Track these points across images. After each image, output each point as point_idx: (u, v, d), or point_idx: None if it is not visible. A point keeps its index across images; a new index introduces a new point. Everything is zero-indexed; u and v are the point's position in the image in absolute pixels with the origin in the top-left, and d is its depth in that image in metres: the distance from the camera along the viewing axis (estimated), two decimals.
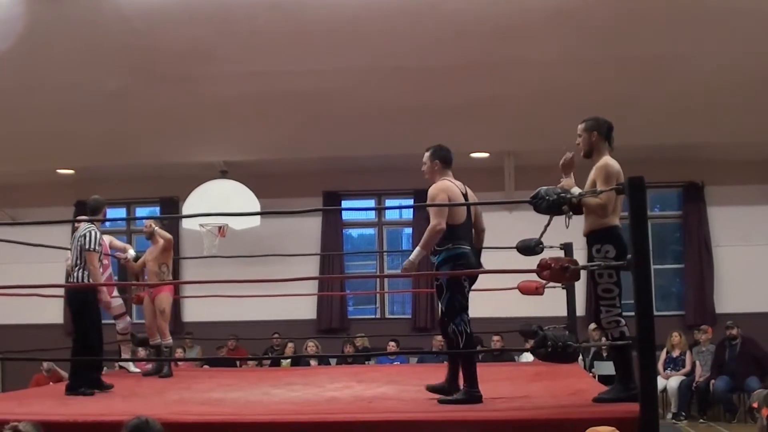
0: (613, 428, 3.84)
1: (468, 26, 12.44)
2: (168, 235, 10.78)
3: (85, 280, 8.67)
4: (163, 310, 10.64)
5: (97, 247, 8.70)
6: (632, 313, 5.76)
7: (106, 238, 11.19)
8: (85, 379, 8.56)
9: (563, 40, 12.63)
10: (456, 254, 7.01)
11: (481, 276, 7.10)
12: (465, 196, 7.20)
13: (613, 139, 6.83)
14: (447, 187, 7.14)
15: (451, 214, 7.02)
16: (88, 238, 8.64)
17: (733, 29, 12.25)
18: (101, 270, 10.70)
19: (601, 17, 12.27)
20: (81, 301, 8.67)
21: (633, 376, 6.45)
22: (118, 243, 11.43)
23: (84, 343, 8.58)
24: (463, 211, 7.10)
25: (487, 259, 11.51)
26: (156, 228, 10.83)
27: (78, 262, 8.68)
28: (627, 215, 5.86)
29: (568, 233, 6.97)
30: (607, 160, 6.67)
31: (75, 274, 8.73)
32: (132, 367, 11.38)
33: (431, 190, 7.24)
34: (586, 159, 6.80)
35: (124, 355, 11.24)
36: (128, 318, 11.17)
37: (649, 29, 12.42)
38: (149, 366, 11.22)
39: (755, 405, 3.82)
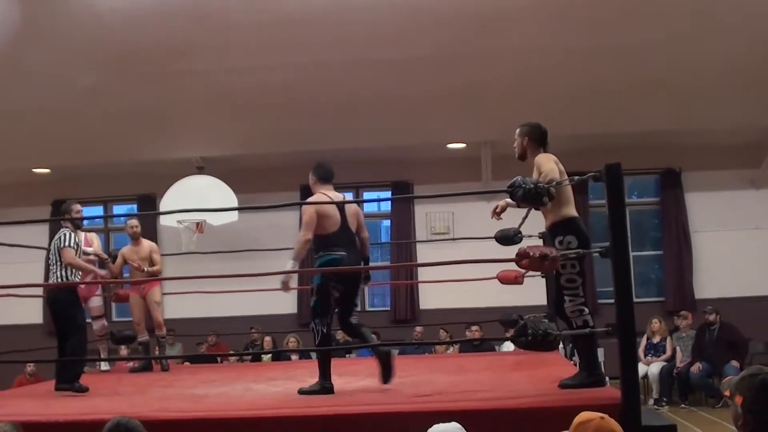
0: (604, 414, 3.83)
1: (444, 17, 12.44)
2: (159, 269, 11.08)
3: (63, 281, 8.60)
4: (159, 302, 10.88)
5: (71, 243, 8.55)
6: (612, 301, 5.77)
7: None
8: (75, 376, 8.46)
9: (539, 28, 12.65)
10: (327, 260, 7.54)
11: (460, 266, 7.09)
12: (341, 207, 7.75)
13: (548, 144, 7.02)
14: (318, 200, 7.69)
15: (322, 224, 7.56)
16: (62, 239, 8.54)
17: (709, 16, 12.30)
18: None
19: (578, 6, 12.30)
20: (63, 301, 8.55)
21: (597, 363, 6.81)
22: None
23: (71, 344, 8.45)
24: (335, 220, 7.62)
25: (466, 249, 11.56)
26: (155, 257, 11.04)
27: (54, 263, 8.56)
28: (605, 203, 5.86)
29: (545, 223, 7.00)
30: (542, 153, 6.93)
31: (52, 276, 8.61)
32: (103, 365, 11.42)
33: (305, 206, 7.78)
34: (521, 161, 7.13)
35: (102, 354, 11.27)
36: (105, 321, 11.16)
37: (625, 17, 12.45)
38: (132, 363, 11.24)
39: (727, 393, 3.81)
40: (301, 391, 7.40)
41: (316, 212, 7.58)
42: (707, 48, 12.77)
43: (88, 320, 10.97)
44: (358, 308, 8.05)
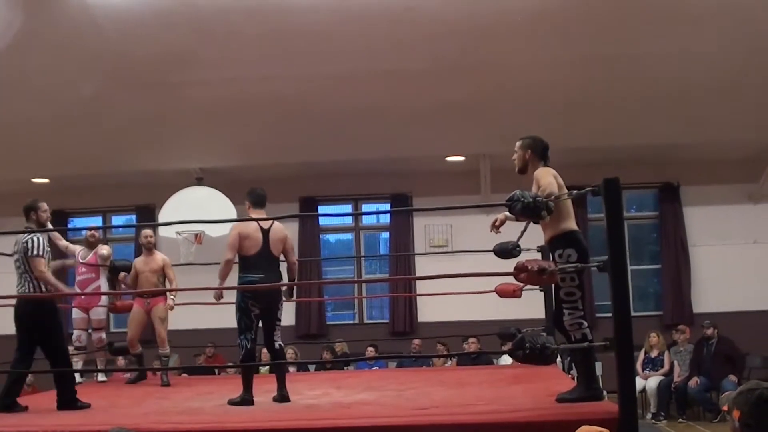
0: (604, 429, 3.83)
1: (444, 29, 12.44)
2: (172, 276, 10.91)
3: (32, 292, 8.02)
4: (163, 318, 10.73)
5: (42, 252, 8.03)
6: (610, 314, 5.77)
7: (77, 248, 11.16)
8: (74, 392, 8.10)
9: (538, 42, 12.65)
10: (244, 282, 8.11)
11: (459, 279, 7.11)
12: (266, 231, 8.22)
13: (548, 158, 7.02)
14: (242, 225, 8.31)
15: (244, 245, 8.14)
16: (31, 244, 7.95)
17: (707, 29, 12.30)
18: (89, 281, 10.69)
19: (576, 19, 12.29)
20: (39, 313, 7.97)
21: (595, 376, 6.79)
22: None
23: (57, 364, 8.04)
24: (255, 243, 8.14)
25: (465, 262, 11.57)
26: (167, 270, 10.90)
27: (25, 272, 8.02)
28: (603, 216, 5.86)
29: (544, 236, 7.00)
30: (543, 167, 6.92)
31: (21, 288, 8.06)
32: (100, 376, 11.37)
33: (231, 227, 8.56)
34: (521, 174, 7.13)
35: (99, 366, 11.22)
36: (103, 334, 11.10)
37: (624, 30, 12.46)
38: (129, 375, 11.21)
39: (725, 408, 3.82)
40: (230, 402, 7.89)
41: (238, 234, 8.14)
42: (707, 62, 12.78)
43: (72, 331, 11.02)
44: (292, 322, 8.50)
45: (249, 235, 8.14)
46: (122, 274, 10.92)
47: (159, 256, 10.94)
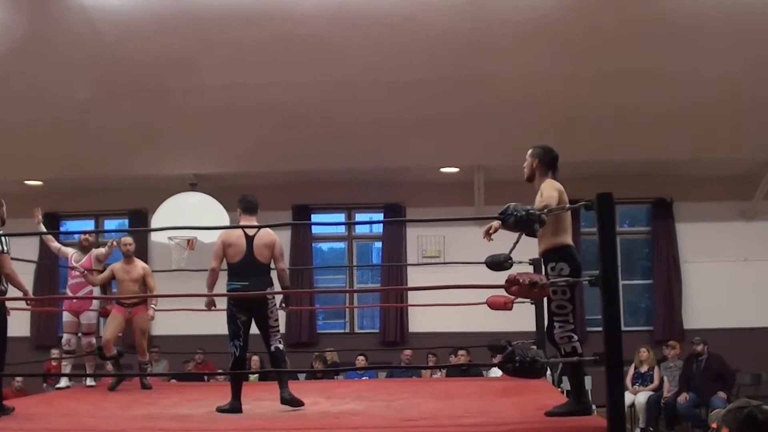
0: None
1: (440, 40, 12.47)
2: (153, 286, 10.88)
3: None
4: (144, 330, 10.76)
5: (7, 249, 7.82)
6: (600, 329, 5.76)
7: (69, 250, 11.17)
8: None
9: (534, 54, 12.67)
10: (228, 290, 8.21)
11: (450, 290, 7.10)
12: (250, 238, 8.20)
13: (557, 169, 7.00)
14: (226, 233, 8.39)
15: (228, 253, 8.21)
16: (3, 240, 7.74)
17: (701, 46, 12.34)
18: (82, 285, 10.66)
19: (572, 33, 12.32)
20: None
21: (584, 390, 6.74)
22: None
23: None
24: (239, 250, 8.17)
25: (457, 273, 11.54)
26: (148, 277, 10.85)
27: None
28: (596, 231, 5.86)
29: (537, 249, 6.99)
30: (549, 180, 6.88)
31: None
32: (89, 381, 11.31)
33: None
34: (528, 182, 7.09)
35: (88, 370, 11.17)
36: (93, 338, 11.06)
37: (620, 45, 12.49)
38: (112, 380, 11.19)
39: (714, 425, 3.84)
40: (219, 409, 7.84)
41: (222, 242, 8.21)
42: (702, 80, 12.81)
43: (62, 335, 10.99)
44: (282, 330, 8.42)
45: (232, 243, 8.17)
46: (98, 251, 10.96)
47: (139, 265, 10.92)
